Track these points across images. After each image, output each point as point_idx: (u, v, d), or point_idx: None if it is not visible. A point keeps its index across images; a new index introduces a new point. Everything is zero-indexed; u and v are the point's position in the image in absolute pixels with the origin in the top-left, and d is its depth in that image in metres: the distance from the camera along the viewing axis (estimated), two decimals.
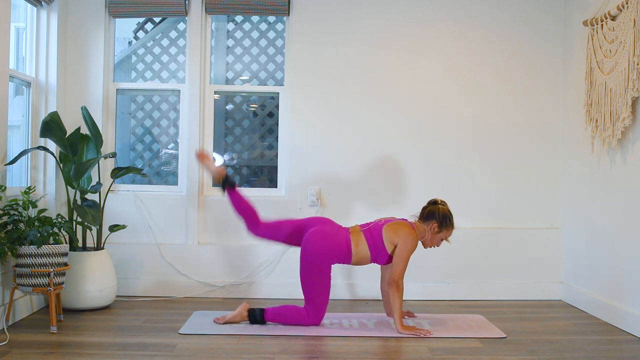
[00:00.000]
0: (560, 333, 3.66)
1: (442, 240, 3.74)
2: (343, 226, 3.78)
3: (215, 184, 3.86)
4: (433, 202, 3.76)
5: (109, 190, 4.35)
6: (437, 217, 3.68)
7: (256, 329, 3.56)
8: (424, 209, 3.77)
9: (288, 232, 3.78)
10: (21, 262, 3.52)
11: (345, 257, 3.66)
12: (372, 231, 3.67)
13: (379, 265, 3.89)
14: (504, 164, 4.66)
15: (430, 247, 3.77)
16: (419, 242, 3.75)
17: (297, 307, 3.67)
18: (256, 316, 3.66)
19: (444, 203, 3.75)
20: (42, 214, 3.70)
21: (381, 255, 3.65)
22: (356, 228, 3.73)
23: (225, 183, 3.81)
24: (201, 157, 3.90)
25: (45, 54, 4.32)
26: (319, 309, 3.64)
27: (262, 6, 4.58)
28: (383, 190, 4.61)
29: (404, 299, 3.60)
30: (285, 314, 3.66)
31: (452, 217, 3.72)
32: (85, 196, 4.15)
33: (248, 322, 3.68)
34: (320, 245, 3.61)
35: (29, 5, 4.24)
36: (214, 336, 3.45)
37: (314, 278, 3.61)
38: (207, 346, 3.26)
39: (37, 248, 3.51)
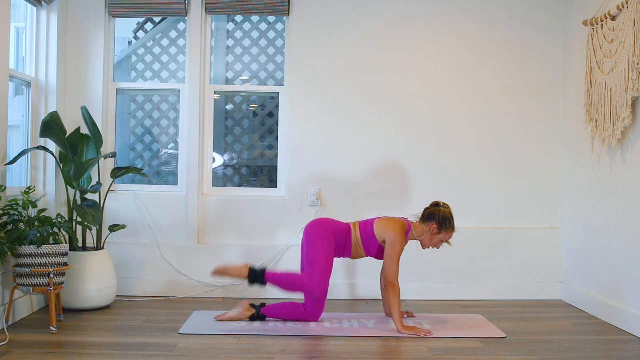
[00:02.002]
0: (560, 333, 3.66)
1: (441, 242, 3.76)
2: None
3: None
4: (435, 204, 3.79)
5: (109, 190, 4.35)
6: (437, 219, 3.70)
7: (256, 329, 3.56)
8: (425, 210, 3.79)
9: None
10: (21, 262, 3.52)
11: (347, 235, 3.74)
12: (367, 223, 3.79)
13: (379, 265, 3.90)
14: (504, 164, 4.66)
15: (429, 248, 3.78)
16: (417, 243, 3.78)
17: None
18: (257, 274, 3.66)
19: (446, 206, 3.77)
20: (42, 214, 3.70)
21: (371, 245, 3.73)
22: (354, 222, 3.87)
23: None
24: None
25: (45, 54, 4.32)
26: (321, 279, 3.61)
27: (262, 6, 4.58)
28: (383, 190, 4.61)
29: (403, 298, 3.61)
30: (286, 281, 3.67)
31: (453, 220, 3.73)
32: (85, 196, 4.15)
33: (247, 280, 3.67)
34: (322, 222, 3.78)
35: (29, 5, 4.24)
36: (214, 336, 3.45)
37: (319, 246, 3.65)
38: (207, 346, 3.26)
39: (37, 248, 3.51)
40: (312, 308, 3.68)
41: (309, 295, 3.66)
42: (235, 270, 3.68)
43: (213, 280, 4.52)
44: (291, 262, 4.31)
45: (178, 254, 4.55)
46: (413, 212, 3.89)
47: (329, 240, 3.69)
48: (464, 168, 4.64)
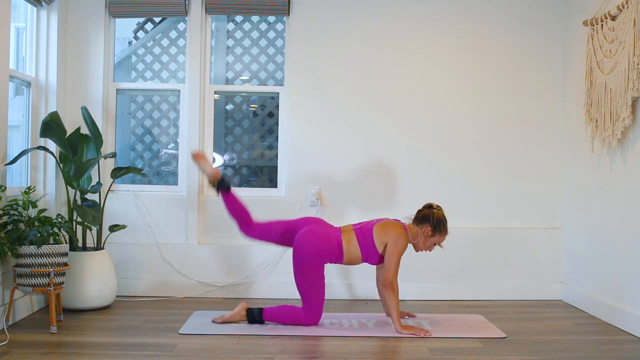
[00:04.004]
0: (560, 333, 3.66)
1: (434, 244, 3.73)
2: (335, 226, 3.80)
3: (210, 185, 3.88)
4: (428, 206, 3.75)
5: (109, 190, 4.35)
6: (431, 221, 3.67)
7: (256, 329, 3.56)
8: (418, 212, 3.76)
9: (280, 233, 3.80)
10: (21, 262, 3.52)
11: (337, 256, 3.66)
12: (363, 230, 3.68)
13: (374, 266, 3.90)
14: (504, 164, 4.66)
15: (422, 250, 3.76)
16: (411, 245, 3.75)
17: (295, 307, 3.67)
18: (254, 316, 3.67)
19: (439, 208, 3.74)
20: (42, 214, 3.70)
21: (372, 255, 3.66)
22: (348, 227, 3.74)
23: (220, 185, 3.80)
24: (197, 157, 3.90)
25: (45, 54, 4.32)
26: (316, 308, 3.64)
27: (262, 6, 4.58)
28: (383, 190, 4.61)
29: (402, 298, 3.60)
30: (283, 314, 3.66)
31: (446, 223, 3.70)
32: (85, 196, 4.15)
33: (247, 321, 3.69)
34: (311, 244, 3.61)
35: (29, 5, 4.24)
36: (214, 336, 3.45)
37: (308, 278, 3.61)
38: (207, 346, 3.26)
39: (37, 248, 3.51)
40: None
41: (307, 310, 3.65)
42: (235, 317, 3.70)
43: (213, 280, 4.52)
44: (290, 261, 4.29)
45: (178, 254, 4.55)
46: (413, 212, 3.87)
47: (319, 264, 3.61)
48: (464, 168, 4.64)
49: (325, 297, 3.69)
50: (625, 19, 3.64)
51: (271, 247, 4.53)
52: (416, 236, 3.70)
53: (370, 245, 3.63)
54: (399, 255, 3.59)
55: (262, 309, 3.68)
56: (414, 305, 4.28)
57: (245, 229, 3.84)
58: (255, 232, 3.84)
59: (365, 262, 3.72)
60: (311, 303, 3.63)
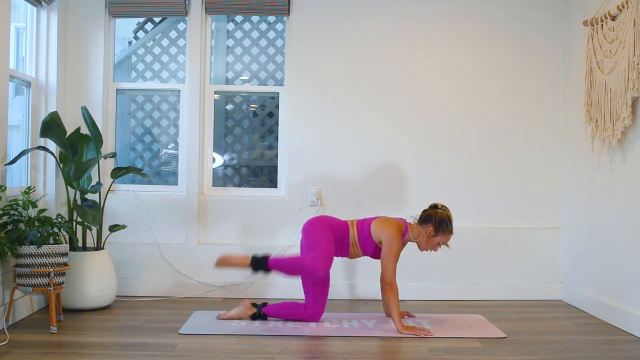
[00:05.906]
0: (560, 333, 3.66)
1: (438, 244, 3.74)
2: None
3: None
4: (433, 207, 3.77)
5: (109, 190, 4.35)
6: (433, 221, 3.68)
7: (256, 329, 3.56)
8: (423, 211, 3.78)
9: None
10: (21, 262, 3.52)
11: (345, 233, 3.73)
12: (365, 221, 3.78)
13: (379, 265, 3.90)
14: (504, 164, 4.66)
15: (426, 250, 3.77)
16: (415, 245, 3.79)
17: (301, 259, 3.68)
18: (259, 262, 3.63)
19: (444, 208, 3.74)
20: (42, 214, 3.70)
21: (367, 245, 3.72)
22: (352, 220, 3.86)
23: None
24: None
25: (45, 54, 4.32)
26: (325, 255, 3.60)
27: (262, 6, 4.58)
28: (383, 190, 4.61)
29: (402, 298, 3.60)
30: (291, 265, 3.66)
31: (451, 223, 3.71)
32: (85, 196, 4.15)
33: (251, 269, 3.65)
34: (320, 218, 3.80)
35: (29, 5, 4.24)
36: (214, 336, 3.45)
37: (318, 236, 3.65)
38: (207, 346, 3.26)
39: (37, 248, 3.51)
40: (312, 308, 3.68)
41: (313, 275, 3.59)
42: (238, 259, 3.66)
43: (213, 280, 4.52)
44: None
45: (178, 254, 4.55)
46: (413, 212, 3.88)
47: (328, 232, 3.69)
48: (464, 168, 4.64)
49: (327, 297, 3.73)
50: (625, 19, 3.64)
51: (272, 247, 4.54)
52: (418, 236, 3.71)
53: (367, 237, 3.70)
54: (394, 257, 3.62)
55: (267, 257, 3.65)
56: (414, 305, 4.28)
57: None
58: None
59: (364, 252, 3.77)
60: (319, 251, 3.60)
